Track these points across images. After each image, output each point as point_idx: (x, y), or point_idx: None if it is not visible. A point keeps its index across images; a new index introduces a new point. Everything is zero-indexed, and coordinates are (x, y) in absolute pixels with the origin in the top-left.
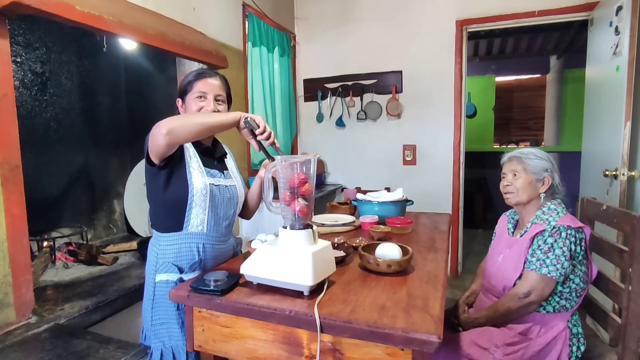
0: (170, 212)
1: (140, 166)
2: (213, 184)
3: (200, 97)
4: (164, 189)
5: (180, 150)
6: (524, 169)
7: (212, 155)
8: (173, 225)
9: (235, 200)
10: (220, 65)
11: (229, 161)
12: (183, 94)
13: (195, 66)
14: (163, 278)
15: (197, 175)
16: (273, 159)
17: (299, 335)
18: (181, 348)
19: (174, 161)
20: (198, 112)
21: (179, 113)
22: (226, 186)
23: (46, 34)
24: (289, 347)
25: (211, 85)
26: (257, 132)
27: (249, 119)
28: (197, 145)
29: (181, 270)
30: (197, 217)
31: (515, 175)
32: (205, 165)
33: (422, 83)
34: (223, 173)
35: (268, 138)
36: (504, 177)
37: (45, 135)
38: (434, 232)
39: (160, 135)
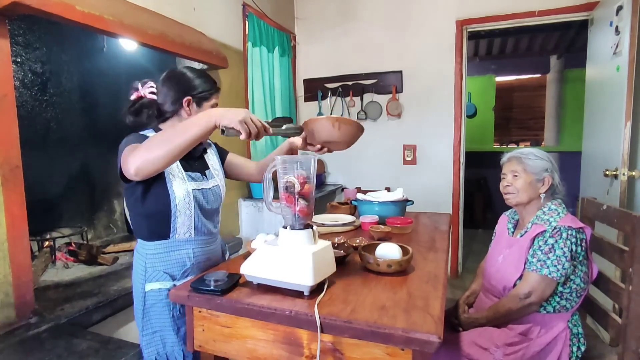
0: (152, 223)
1: None
2: (196, 188)
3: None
4: (142, 201)
5: None
6: (523, 169)
7: (191, 156)
8: (158, 234)
9: (220, 201)
10: (220, 66)
11: (211, 156)
12: (200, 99)
13: (196, 66)
14: (154, 287)
15: (178, 182)
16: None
17: (299, 335)
18: (177, 354)
19: None
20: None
21: (182, 111)
22: (209, 188)
23: (46, 34)
24: (289, 347)
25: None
26: (242, 138)
27: (225, 130)
28: None
29: (173, 278)
30: (184, 225)
31: (515, 175)
32: (185, 169)
33: (422, 83)
34: (205, 174)
35: (258, 136)
36: (504, 178)
37: (46, 135)
38: (434, 232)
39: (131, 176)
